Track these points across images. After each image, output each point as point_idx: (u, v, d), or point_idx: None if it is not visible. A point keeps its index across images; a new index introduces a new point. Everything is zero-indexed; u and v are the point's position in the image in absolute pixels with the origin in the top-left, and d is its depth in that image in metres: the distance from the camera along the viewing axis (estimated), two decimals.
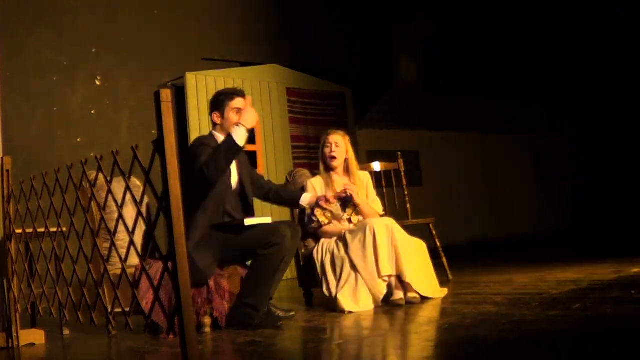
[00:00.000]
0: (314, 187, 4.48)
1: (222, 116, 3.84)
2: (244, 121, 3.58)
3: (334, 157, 4.48)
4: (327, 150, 4.51)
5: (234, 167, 3.87)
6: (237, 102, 3.85)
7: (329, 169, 4.55)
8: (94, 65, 6.77)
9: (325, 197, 4.23)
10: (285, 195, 4.25)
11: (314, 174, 4.69)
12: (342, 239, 4.21)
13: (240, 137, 3.54)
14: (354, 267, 4.05)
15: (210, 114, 3.90)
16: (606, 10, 10.68)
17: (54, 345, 3.68)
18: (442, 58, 10.88)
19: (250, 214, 3.89)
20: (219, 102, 3.87)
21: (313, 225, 4.37)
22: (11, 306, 3.57)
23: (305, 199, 4.21)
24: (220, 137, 3.79)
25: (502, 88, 11.54)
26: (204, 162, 3.55)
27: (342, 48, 9.16)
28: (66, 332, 4.03)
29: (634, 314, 2.90)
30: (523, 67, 11.81)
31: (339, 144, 4.51)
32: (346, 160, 4.56)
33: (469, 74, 11.21)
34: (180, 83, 6.93)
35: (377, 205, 4.58)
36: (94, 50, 6.79)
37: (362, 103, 9.18)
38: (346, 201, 4.36)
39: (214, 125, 3.89)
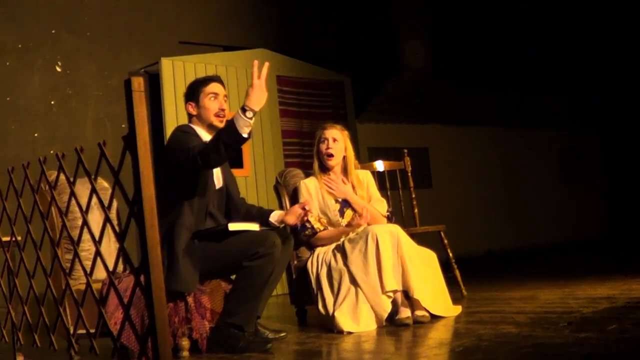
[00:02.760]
0: (308, 190, 4.48)
1: (198, 105, 3.82)
2: (251, 102, 3.37)
3: (331, 155, 4.47)
4: (323, 146, 4.50)
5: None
6: (213, 87, 3.83)
7: (324, 168, 4.54)
8: (54, 48, 6.75)
9: (302, 206, 4.00)
10: (255, 212, 4.08)
11: (307, 175, 4.68)
12: (340, 248, 4.20)
13: (242, 124, 3.35)
14: (353, 281, 4.04)
15: (185, 106, 3.88)
16: None
17: None
18: (454, 42, 10.89)
19: (234, 219, 3.88)
20: (192, 90, 3.85)
21: (306, 232, 4.37)
22: None
23: (274, 216, 4.00)
24: (200, 131, 3.79)
25: (523, 76, 11.55)
26: (197, 149, 3.45)
27: (340, 30, 9.16)
28: (20, 358, 4.00)
29: None
30: (547, 53, 11.82)
31: (337, 140, 4.50)
32: (344, 158, 4.56)
33: (484, 61, 11.21)
34: (154, 70, 6.91)
35: (381, 206, 4.57)
36: (53, 32, 6.77)
37: (363, 93, 9.18)
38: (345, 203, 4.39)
39: (190, 117, 3.88)
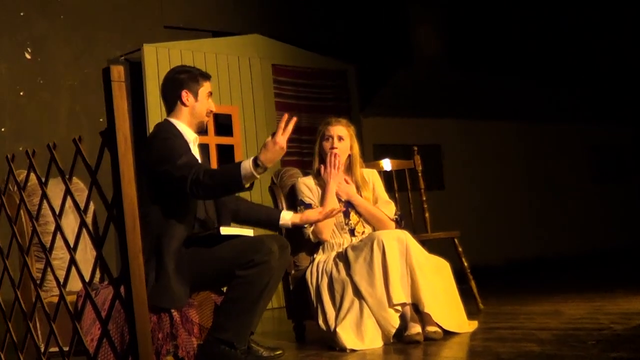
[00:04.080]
0: (308, 187, 4.49)
1: (196, 98, 3.85)
2: (266, 159, 3.48)
3: (336, 155, 4.48)
4: (326, 144, 4.51)
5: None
6: (210, 85, 3.95)
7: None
8: (23, 33, 6.75)
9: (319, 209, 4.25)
10: (260, 214, 4.23)
11: (306, 175, 4.69)
12: (342, 256, 4.21)
13: (248, 176, 3.46)
14: (357, 293, 4.05)
15: (177, 93, 3.85)
16: None
17: None
18: (471, 27, 10.88)
19: (226, 223, 3.89)
20: (192, 79, 3.86)
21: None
22: None
23: (286, 217, 4.19)
24: (183, 127, 3.80)
25: (548, 65, 11.54)
26: (191, 177, 3.49)
27: (343, 14, 9.16)
28: None
29: None
30: (575, 41, 11.80)
31: (343, 137, 4.51)
32: (349, 156, 4.56)
33: (505, 48, 11.20)
34: (136, 57, 6.92)
35: (388, 208, 4.57)
36: (22, 14, 6.77)
37: (369, 84, 9.18)
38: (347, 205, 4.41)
39: (177, 106, 3.86)
